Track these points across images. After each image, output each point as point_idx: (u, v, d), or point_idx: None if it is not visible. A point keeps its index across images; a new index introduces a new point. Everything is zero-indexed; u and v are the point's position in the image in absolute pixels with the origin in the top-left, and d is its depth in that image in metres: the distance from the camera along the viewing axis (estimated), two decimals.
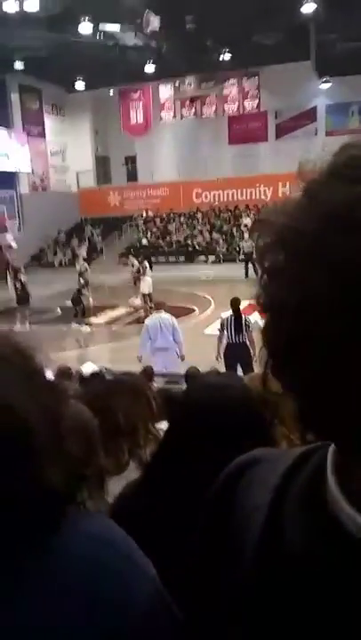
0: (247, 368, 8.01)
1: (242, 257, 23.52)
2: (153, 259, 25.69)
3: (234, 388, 1.18)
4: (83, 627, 0.67)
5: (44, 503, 0.68)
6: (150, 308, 15.57)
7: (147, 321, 9.77)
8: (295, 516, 0.53)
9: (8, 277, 22.66)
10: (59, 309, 17.13)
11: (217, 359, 8.67)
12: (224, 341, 8.87)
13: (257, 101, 30.28)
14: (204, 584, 0.65)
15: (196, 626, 0.67)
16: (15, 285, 16.32)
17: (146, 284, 15.98)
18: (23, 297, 16.05)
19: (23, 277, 16.45)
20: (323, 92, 28.91)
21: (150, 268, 17.61)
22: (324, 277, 0.43)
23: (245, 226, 27.29)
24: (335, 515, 0.50)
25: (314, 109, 29.70)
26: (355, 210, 0.43)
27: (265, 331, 0.50)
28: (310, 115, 29.76)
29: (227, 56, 25.94)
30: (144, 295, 15.66)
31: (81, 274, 17.27)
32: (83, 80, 29.73)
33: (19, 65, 25.91)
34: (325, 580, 0.49)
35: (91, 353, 13.13)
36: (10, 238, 23.60)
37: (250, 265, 22.09)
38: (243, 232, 26.59)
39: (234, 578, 0.58)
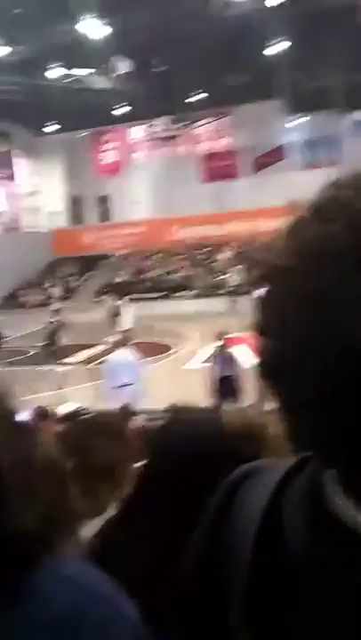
0: (234, 400, 8.03)
1: (223, 291, 23.81)
2: (130, 296, 25.81)
3: (208, 424, 1.17)
4: None
5: (15, 548, 0.66)
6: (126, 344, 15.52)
7: (110, 358, 9.61)
8: (295, 516, 0.54)
9: None
10: (32, 350, 16.97)
11: (210, 392, 8.67)
12: (213, 375, 8.87)
13: (228, 140, 30.95)
14: (202, 588, 0.65)
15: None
16: None
17: (126, 321, 15.93)
18: None
19: None
20: (293, 128, 29.70)
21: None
22: (296, 308, 0.48)
23: (228, 259, 27.53)
24: (335, 512, 0.52)
25: (287, 145, 30.35)
26: (327, 246, 0.47)
27: (259, 353, 0.53)
28: (282, 151, 30.42)
29: (198, 96, 26.55)
30: (123, 331, 15.63)
31: (54, 314, 17.20)
32: (54, 123, 30.17)
33: None
34: (327, 575, 0.51)
35: (67, 393, 12.97)
36: None
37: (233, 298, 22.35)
38: (222, 266, 26.99)
39: (231, 580, 0.58)
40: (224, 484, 0.67)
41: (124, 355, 9.04)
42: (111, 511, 2.09)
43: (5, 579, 0.65)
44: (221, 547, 0.62)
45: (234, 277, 23.47)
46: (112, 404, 8.16)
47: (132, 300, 21.76)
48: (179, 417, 1.22)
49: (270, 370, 0.52)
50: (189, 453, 1.11)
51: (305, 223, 0.51)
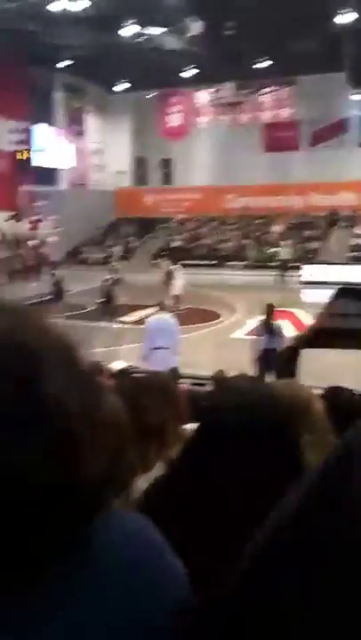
0: (278, 373, 7.99)
1: (274, 264, 23.43)
2: (183, 262, 25.77)
3: (262, 394, 1.20)
4: (115, 626, 0.66)
5: (79, 496, 0.66)
6: (178, 309, 15.61)
7: (148, 321, 9.69)
8: None
9: (44, 272, 23.01)
10: (90, 306, 17.29)
11: (253, 363, 8.67)
12: (258, 346, 8.84)
13: (292, 110, 30.12)
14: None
15: None
16: (51, 280, 16.55)
17: (177, 286, 15.98)
18: (57, 292, 16.25)
19: (59, 273, 16.65)
20: (356, 103, 28.64)
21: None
22: None
23: (278, 233, 27.17)
24: None
25: (348, 120, 29.44)
26: None
27: None
28: (343, 126, 29.50)
29: (264, 64, 25.86)
30: (175, 296, 15.71)
31: (113, 271, 17.41)
32: (124, 81, 30.00)
33: (63, 64, 26.30)
34: None
35: (120, 351, 13.22)
36: (47, 234, 23.92)
37: (281, 273, 22.08)
38: (274, 239, 26.50)
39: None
40: (333, 458, 0.57)
41: (163, 319, 9.08)
42: (157, 470, 2.17)
43: (67, 527, 0.66)
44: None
45: (284, 251, 23.05)
46: (147, 366, 8.30)
47: (184, 265, 21.77)
48: (231, 385, 1.25)
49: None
50: (240, 423, 1.13)
51: None
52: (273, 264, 23.75)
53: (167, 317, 9.08)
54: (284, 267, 22.49)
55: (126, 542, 0.71)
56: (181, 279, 16.79)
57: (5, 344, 0.68)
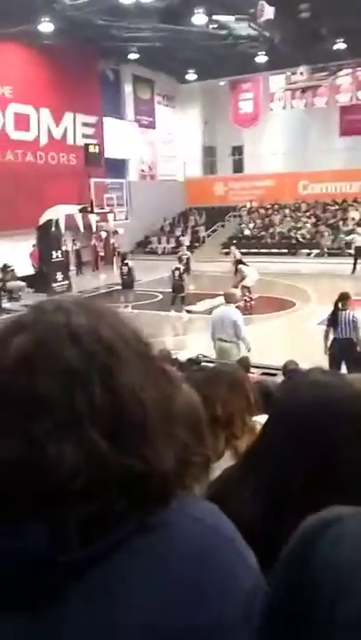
0: (352, 365, 7.81)
1: (350, 251, 22.82)
2: (255, 250, 25.48)
3: (341, 389, 1.17)
4: (185, 611, 0.67)
5: (154, 485, 0.69)
6: (250, 299, 15.50)
7: (213, 312, 9.72)
8: None
9: (114, 262, 23.41)
10: (160, 295, 17.47)
11: (325, 353, 8.51)
12: (331, 336, 8.65)
13: None
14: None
15: None
16: (121, 270, 16.80)
17: (250, 278, 15.83)
18: (128, 281, 16.49)
19: (130, 262, 16.89)
20: None
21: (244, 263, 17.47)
22: None
23: (353, 219, 26.43)
24: None
25: None
26: None
27: None
28: None
29: (341, 45, 25.12)
30: (245, 287, 15.59)
31: (182, 261, 17.47)
32: (194, 71, 29.93)
33: (133, 56, 26.50)
34: None
35: (188, 340, 13.31)
36: (117, 224, 24.30)
37: (359, 260, 21.47)
38: (350, 226, 25.78)
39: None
40: (300, 532, 0.62)
41: (224, 310, 9.07)
42: (226, 460, 2.18)
43: (140, 512, 0.68)
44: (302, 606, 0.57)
45: (359, 239, 22.35)
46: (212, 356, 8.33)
47: (256, 254, 21.53)
48: (310, 379, 1.23)
49: None
50: (317, 415, 1.12)
51: None
52: (349, 251, 23.12)
53: (228, 309, 9.03)
54: (360, 254, 21.86)
55: (198, 529, 0.73)
56: (254, 267, 16.63)
57: (85, 338, 0.71)
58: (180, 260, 17.52)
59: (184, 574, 0.69)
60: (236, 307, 9.38)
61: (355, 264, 21.51)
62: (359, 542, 0.55)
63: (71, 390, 0.68)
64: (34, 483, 0.65)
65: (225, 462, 2.10)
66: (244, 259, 18.28)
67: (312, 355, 8.37)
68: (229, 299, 9.19)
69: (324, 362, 8.15)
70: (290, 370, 5.53)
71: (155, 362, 0.80)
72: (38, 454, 0.65)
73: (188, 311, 15.74)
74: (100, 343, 0.72)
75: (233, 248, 22.20)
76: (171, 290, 15.73)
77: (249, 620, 0.69)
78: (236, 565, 0.72)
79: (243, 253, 19.93)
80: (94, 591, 0.67)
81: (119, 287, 17.34)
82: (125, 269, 16.61)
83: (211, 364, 5.71)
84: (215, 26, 21.98)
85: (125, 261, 17.05)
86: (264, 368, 7.66)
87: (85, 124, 26.15)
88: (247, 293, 15.48)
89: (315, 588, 0.56)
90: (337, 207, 28.47)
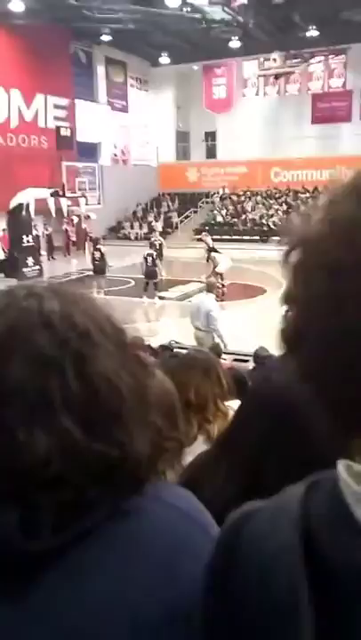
0: None
1: None
2: (227, 237, 25.50)
3: None
4: (159, 597, 0.67)
5: (128, 470, 0.69)
6: (222, 286, 15.53)
7: (193, 300, 9.87)
8: (336, 543, 0.50)
9: (86, 247, 23.19)
10: (132, 281, 17.40)
11: None
12: None
13: (343, 80, 29.34)
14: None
15: None
16: (93, 255, 16.67)
17: (222, 265, 15.86)
18: (100, 267, 16.38)
19: (102, 248, 16.76)
20: None
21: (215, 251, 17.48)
22: (324, 279, 0.49)
23: None
24: None
25: None
26: (355, 225, 0.48)
27: (282, 320, 0.56)
28: None
29: (314, 33, 25.16)
30: (217, 273, 15.63)
31: (154, 246, 17.40)
32: (167, 55, 29.66)
33: (105, 37, 26.15)
34: None
35: (160, 326, 13.31)
36: (89, 209, 24.08)
37: None
38: None
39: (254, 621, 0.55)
40: (226, 526, 0.63)
41: (200, 299, 9.16)
42: (199, 445, 2.19)
43: (114, 498, 0.68)
44: (233, 590, 0.58)
45: None
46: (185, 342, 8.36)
47: (229, 240, 21.56)
48: (276, 362, 1.24)
49: (291, 338, 0.53)
50: (291, 402, 1.13)
51: (342, 199, 0.52)
52: None
53: (205, 298, 9.12)
54: None
55: (172, 516, 0.73)
56: (226, 254, 16.67)
57: (58, 324, 0.70)
58: (152, 245, 17.43)
59: (158, 560, 0.69)
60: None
61: None
62: (273, 533, 0.56)
63: (44, 377, 0.68)
64: (5, 468, 0.64)
65: (198, 447, 2.11)
66: (217, 245, 18.29)
67: None
68: (210, 288, 9.25)
69: None
70: (263, 356, 5.57)
71: (129, 348, 0.79)
72: (9, 440, 0.64)
73: (161, 297, 15.72)
74: (73, 330, 0.71)
75: (204, 235, 22.22)
76: (143, 276, 15.67)
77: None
78: (209, 551, 0.71)
79: (215, 240, 19.93)
80: (66, 578, 0.66)
81: (91, 273, 17.22)
82: (98, 255, 16.49)
83: (183, 351, 5.72)
84: (189, 9, 21.81)
85: (98, 247, 16.92)
86: (235, 354, 7.70)
87: (57, 107, 25.75)
88: (220, 280, 15.51)
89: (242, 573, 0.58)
90: (308, 195, 28.65)
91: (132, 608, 0.66)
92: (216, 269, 15.82)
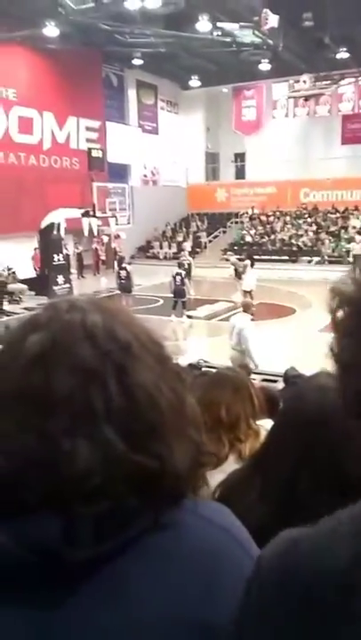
0: None
1: (350, 259, 22.82)
2: (256, 257, 25.48)
3: None
4: (197, 610, 0.67)
5: (169, 483, 0.70)
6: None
7: (231, 319, 9.92)
8: None
9: (115, 266, 23.41)
10: (161, 300, 17.47)
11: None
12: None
13: None
14: None
15: None
16: (119, 274, 16.82)
17: (248, 282, 15.87)
18: (126, 286, 16.50)
19: (128, 267, 16.90)
20: None
21: (252, 265, 17.48)
22: None
23: (354, 227, 26.47)
24: None
25: None
26: None
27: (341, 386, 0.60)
28: None
29: (344, 54, 25.22)
30: (245, 292, 15.61)
31: (183, 266, 17.48)
32: (197, 77, 30.05)
33: (137, 61, 26.61)
34: None
35: (188, 345, 13.31)
36: (119, 229, 24.33)
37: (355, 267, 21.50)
38: (350, 234, 25.80)
39: None
40: (274, 551, 0.65)
41: (237, 319, 9.23)
42: (230, 464, 2.18)
43: (153, 512, 0.69)
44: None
45: (359, 246, 22.37)
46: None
47: (258, 260, 21.45)
48: (317, 383, 1.24)
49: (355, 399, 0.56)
50: (323, 418, 1.13)
51: None
52: (349, 259, 23.14)
53: (239, 317, 9.22)
54: (358, 262, 21.87)
55: (210, 530, 0.74)
56: (254, 274, 16.65)
57: (100, 336, 0.71)
58: (181, 265, 17.52)
59: (196, 573, 0.70)
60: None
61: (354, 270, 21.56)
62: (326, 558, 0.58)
63: (87, 388, 0.69)
64: (49, 478, 0.65)
65: (229, 466, 2.10)
66: (244, 262, 18.27)
67: (312, 361, 8.32)
68: (245, 308, 9.36)
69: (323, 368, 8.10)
70: (293, 376, 5.52)
71: (169, 362, 0.80)
72: (53, 450, 0.66)
73: (189, 316, 15.74)
74: (115, 342, 0.73)
75: (233, 255, 22.34)
76: (172, 294, 15.73)
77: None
78: (247, 567, 0.71)
79: (242, 259, 19.95)
80: (106, 588, 0.67)
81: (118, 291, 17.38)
82: (124, 273, 16.60)
83: (212, 369, 5.70)
84: (219, 33, 22.06)
85: (123, 265, 17.05)
86: (264, 374, 7.64)
87: (89, 129, 26.22)
88: (249, 298, 15.47)
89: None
90: (338, 215, 28.51)
91: (171, 620, 0.67)
92: (243, 287, 15.81)
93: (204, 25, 21.29)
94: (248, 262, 17.47)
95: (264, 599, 0.62)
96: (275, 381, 6.65)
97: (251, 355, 8.71)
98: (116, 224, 23.20)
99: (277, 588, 0.61)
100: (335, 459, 1.09)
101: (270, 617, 0.60)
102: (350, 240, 24.75)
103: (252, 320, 9.31)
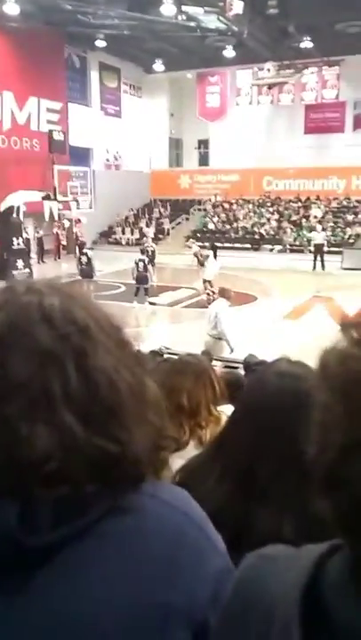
0: None
1: (311, 249, 23.12)
2: (218, 244, 25.60)
3: (306, 379, 1.19)
4: (158, 592, 0.68)
5: (128, 467, 0.70)
6: (212, 293, 15.55)
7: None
8: (342, 599, 0.54)
9: (76, 251, 23.18)
10: (123, 286, 17.39)
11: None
12: None
13: (336, 91, 29.58)
14: None
15: None
16: (80, 259, 16.65)
17: (208, 271, 15.92)
18: (87, 271, 16.36)
19: (89, 252, 16.74)
20: None
21: (215, 256, 17.52)
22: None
23: (315, 217, 26.78)
24: None
25: None
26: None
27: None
28: None
29: (308, 44, 25.35)
30: (204, 281, 15.68)
31: (146, 252, 17.42)
32: (161, 62, 29.78)
33: (100, 43, 26.20)
34: None
35: (150, 331, 13.30)
36: (80, 213, 24.04)
37: (318, 258, 21.84)
38: (312, 223, 26.11)
39: None
40: (242, 570, 0.68)
41: (214, 304, 9.31)
42: (190, 450, 2.18)
43: (112, 495, 0.69)
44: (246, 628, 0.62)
45: (319, 236, 22.71)
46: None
47: (220, 248, 21.59)
48: (277, 369, 1.24)
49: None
50: (284, 405, 1.13)
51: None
52: (310, 249, 23.45)
53: (216, 302, 9.28)
54: (320, 251, 22.18)
55: (170, 514, 0.74)
56: (216, 261, 16.71)
57: (58, 319, 0.69)
58: (144, 251, 17.44)
59: (156, 555, 0.70)
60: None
61: (315, 261, 21.87)
62: (283, 578, 0.60)
63: (45, 371, 0.67)
64: (6, 463, 0.64)
65: (189, 452, 2.10)
66: (206, 251, 18.33)
67: (274, 348, 8.44)
68: (222, 293, 9.38)
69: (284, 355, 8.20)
70: (253, 363, 5.57)
71: (128, 346, 0.79)
72: (10, 434, 0.64)
73: (152, 303, 15.71)
74: (73, 324, 0.71)
75: (192, 242, 22.38)
76: (134, 281, 15.66)
77: (217, 600, 0.71)
78: (206, 549, 0.74)
79: (205, 247, 20.00)
80: (65, 573, 0.67)
81: (79, 277, 17.22)
82: (85, 259, 16.47)
83: (174, 356, 5.71)
84: (184, 17, 21.89)
85: (84, 251, 16.89)
86: (225, 361, 7.68)
87: (50, 110, 25.70)
88: (209, 287, 15.54)
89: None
90: (300, 204, 28.80)
91: (131, 603, 0.67)
92: (204, 276, 15.87)
93: (168, 8, 21.07)
94: (210, 253, 17.53)
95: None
96: (236, 368, 6.70)
97: (226, 337, 8.74)
98: (78, 208, 22.92)
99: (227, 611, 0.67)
100: (293, 444, 1.09)
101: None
102: (311, 229, 25.04)
103: (230, 306, 9.32)
